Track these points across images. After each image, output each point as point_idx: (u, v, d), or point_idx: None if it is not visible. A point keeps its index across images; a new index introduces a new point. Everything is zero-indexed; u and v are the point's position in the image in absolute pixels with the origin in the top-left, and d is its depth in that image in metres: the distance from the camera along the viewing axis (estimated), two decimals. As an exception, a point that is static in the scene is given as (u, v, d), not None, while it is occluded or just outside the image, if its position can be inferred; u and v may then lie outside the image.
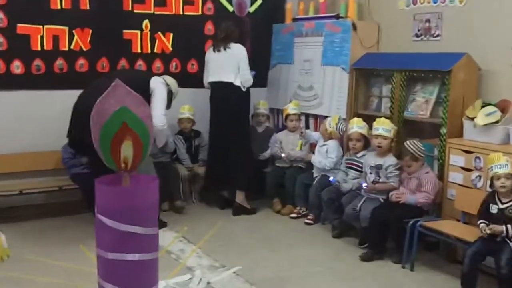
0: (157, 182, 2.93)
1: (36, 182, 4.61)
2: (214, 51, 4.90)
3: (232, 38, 4.84)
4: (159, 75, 4.75)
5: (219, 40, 4.87)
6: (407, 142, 3.93)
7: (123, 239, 2.69)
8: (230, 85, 4.80)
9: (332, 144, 4.69)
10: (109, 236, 2.71)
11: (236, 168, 4.86)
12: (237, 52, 4.80)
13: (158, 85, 4.30)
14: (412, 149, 3.88)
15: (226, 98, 4.83)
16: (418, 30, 4.60)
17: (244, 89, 4.83)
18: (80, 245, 3.30)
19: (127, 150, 2.79)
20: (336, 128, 4.71)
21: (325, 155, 4.70)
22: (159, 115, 4.16)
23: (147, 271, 2.86)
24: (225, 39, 4.83)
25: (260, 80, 5.64)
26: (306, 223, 4.72)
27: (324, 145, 4.76)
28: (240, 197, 4.92)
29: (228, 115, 4.84)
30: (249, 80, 4.85)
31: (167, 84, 4.45)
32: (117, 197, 2.72)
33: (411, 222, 3.73)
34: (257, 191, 5.36)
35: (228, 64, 4.80)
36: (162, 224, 4.40)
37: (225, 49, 4.81)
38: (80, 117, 4.10)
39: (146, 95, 4.18)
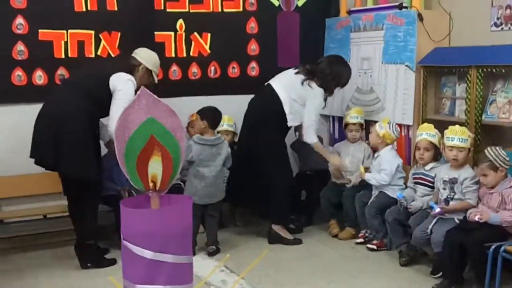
0: (191, 202, 2.93)
1: (63, 205, 4.68)
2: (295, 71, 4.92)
3: (320, 78, 4.81)
4: (197, 82, 4.81)
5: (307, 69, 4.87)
6: (488, 148, 3.79)
7: (152, 268, 2.70)
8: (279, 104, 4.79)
9: (385, 152, 4.60)
10: (137, 265, 2.74)
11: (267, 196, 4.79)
12: (313, 93, 4.79)
13: (121, 84, 4.16)
14: (491, 155, 3.73)
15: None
16: (497, 19, 4.46)
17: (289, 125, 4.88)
18: (109, 276, 3.34)
19: (155, 167, 2.82)
20: (390, 128, 4.63)
21: (379, 170, 4.61)
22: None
23: (181, 305, 2.85)
24: (311, 74, 4.82)
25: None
26: (369, 249, 4.62)
27: (377, 156, 4.67)
28: (276, 226, 4.86)
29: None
30: (309, 128, 4.84)
31: (139, 63, 4.37)
32: (145, 221, 2.74)
33: (493, 247, 3.60)
34: (310, 212, 5.33)
35: (297, 89, 4.80)
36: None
37: (303, 83, 4.80)
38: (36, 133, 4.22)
39: (105, 95, 4.14)
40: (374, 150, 4.89)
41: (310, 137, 4.84)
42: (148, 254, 2.70)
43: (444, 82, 4.80)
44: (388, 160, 4.59)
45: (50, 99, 4.29)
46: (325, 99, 4.89)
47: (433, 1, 5.02)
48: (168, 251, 2.73)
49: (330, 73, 4.78)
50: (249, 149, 4.88)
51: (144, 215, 2.79)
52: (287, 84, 4.82)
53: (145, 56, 4.44)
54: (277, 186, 4.75)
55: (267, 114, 4.79)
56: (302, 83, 4.77)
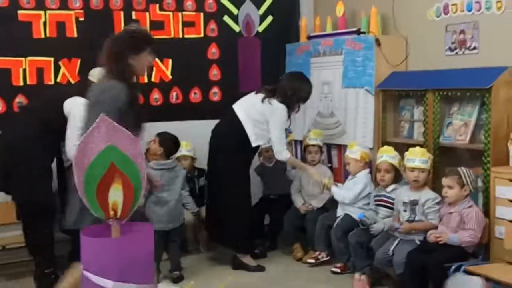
0: (151, 230, 2.91)
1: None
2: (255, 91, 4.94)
3: (280, 95, 4.77)
4: (159, 107, 4.74)
5: (266, 89, 4.86)
6: (461, 167, 3.90)
7: (113, 299, 2.66)
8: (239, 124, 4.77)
9: (361, 175, 4.65)
10: (97, 296, 2.69)
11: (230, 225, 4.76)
12: (273, 109, 4.75)
13: (74, 108, 4.01)
14: (463, 172, 3.84)
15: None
16: (452, 43, 4.58)
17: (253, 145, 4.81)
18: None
19: (116, 194, 2.80)
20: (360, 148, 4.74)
21: (351, 188, 4.66)
22: (72, 146, 3.81)
23: (143, 336, 2.81)
24: (271, 92, 4.80)
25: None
26: (333, 272, 4.63)
27: (353, 178, 4.71)
28: (240, 254, 4.84)
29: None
30: (277, 145, 4.79)
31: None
32: (106, 250, 2.71)
33: (454, 267, 3.65)
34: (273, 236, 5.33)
35: (257, 108, 4.78)
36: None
37: (263, 101, 4.77)
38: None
39: (60, 120, 4.06)
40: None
41: (281, 154, 4.79)
42: (109, 284, 2.66)
43: (403, 105, 4.89)
44: (360, 183, 4.62)
45: (6, 126, 4.32)
46: (289, 116, 4.83)
47: (390, 26, 5.13)
48: (130, 280, 2.71)
49: (290, 89, 4.74)
50: (212, 175, 4.88)
51: (105, 244, 2.76)
52: (248, 105, 4.81)
53: (99, 76, 4.41)
54: (236, 214, 4.71)
55: (228, 137, 4.76)
56: (262, 101, 4.74)
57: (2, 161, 4.16)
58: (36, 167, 4.11)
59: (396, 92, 4.81)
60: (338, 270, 4.63)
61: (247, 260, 4.81)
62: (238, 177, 4.76)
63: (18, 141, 4.10)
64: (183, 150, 5.16)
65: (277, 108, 4.72)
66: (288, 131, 5.25)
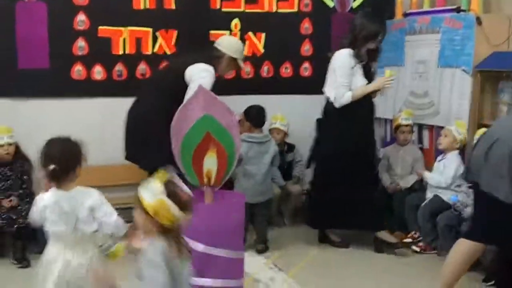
0: (243, 199, 2.99)
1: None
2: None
3: (350, 36, 4.53)
4: (250, 80, 4.74)
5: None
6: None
7: (203, 262, 2.77)
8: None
9: (452, 156, 4.54)
10: (189, 258, 2.79)
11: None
12: (333, 59, 4.58)
13: (196, 73, 4.06)
14: None
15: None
16: (560, 23, 4.35)
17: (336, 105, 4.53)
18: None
19: (211, 162, 2.89)
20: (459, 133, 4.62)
21: (442, 171, 4.56)
22: None
23: (231, 300, 2.91)
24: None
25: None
26: (415, 251, 4.59)
27: (443, 159, 4.61)
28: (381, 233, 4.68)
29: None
30: (337, 100, 4.52)
31: (223, 53, 4.37)
32: (198, 216, 2.80)
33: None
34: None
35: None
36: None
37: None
38: (129, 131, 4.29)
39: (182, 90, 3.98)
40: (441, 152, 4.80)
41: (341, 99, 4.47)
42: (199, 247, 2.76)
43: (502, 87, 4.70)
44: (453, 164, 4.54)
45: (136, 98, 4.42)
46: (362, 58, 4.51)
47: (493, 5, 4.93)
48: (220, 245, 2.80)
49: (355, 27, 4.48)
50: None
51: (198, 209, 2.86)
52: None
53: (227, 45, 4.47)
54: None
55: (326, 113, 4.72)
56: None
57: (131, 131, 4.26)
58: (166, 138, 4.07)
59: (496, 73, 4.63)
60: (418, 249, 4.59)
61: (390, 237, 4.66)
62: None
63: (148, 113, 4.17)
64: (277, 123, 5.19)
65: (337, 56, 4.54)
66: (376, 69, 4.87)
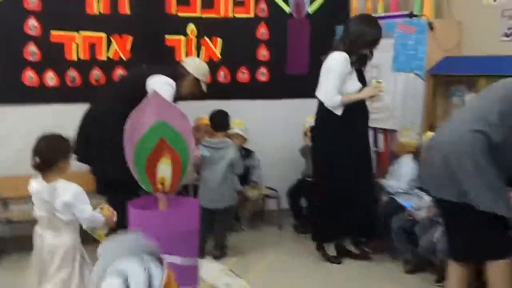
0: (197, 205, 2.97)
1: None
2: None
3: (345, 40, 4.38)
4: (206, 84, 4.69)
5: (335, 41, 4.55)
6: None
7: (158, 270, 2.74)
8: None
9: (405, 160, 4.61)
10: (143, 266, 2.76)
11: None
12: (327, 61, 4.41)
13: (158, 85, 4.00)
14: None
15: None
16: (508, 29, 4.48)
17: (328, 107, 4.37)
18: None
19: (164, 169, 2.86)
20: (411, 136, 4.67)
21: (398, 176, 4.62)
22: None
23: (186, 307, 2.88)
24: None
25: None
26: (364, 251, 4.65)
27: (397, 163, 4.68)
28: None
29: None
30: (327, 102, 4.35)
31: (188, 73, 4.37)
32: (152, 222, 2.78)
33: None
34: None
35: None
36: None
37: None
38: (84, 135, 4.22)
39: (141, 97, 3.86)
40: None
41: (330, 101, 4.31)
42: (154, 255, 2.73)
43: (453, 91, 4.81)
44: (406, 166, 4.58)
45: (92, 103, 4.37)
46: (355, 63, 4.36)
47: (444, 10, 5.04)
48: (174, 252, 2.77)
49: (354, 32, 4.30)
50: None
51: (151, 216, 2.84)
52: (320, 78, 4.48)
53: (193, 65, 4.49)
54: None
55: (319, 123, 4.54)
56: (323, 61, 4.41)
57: (86, 132, 4.21)
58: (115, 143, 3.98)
59: (448, 77, 4.73)
60: (370, 250, 4.65)
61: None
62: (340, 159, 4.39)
63: (105, 115, 4.13)
64: (236, 128, 5.19)
65: (330, 59, 4.36)
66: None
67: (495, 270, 3.11)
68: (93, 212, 2.95)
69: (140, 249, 1.39)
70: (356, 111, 4.37)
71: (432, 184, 3.22)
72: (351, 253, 4.62)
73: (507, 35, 4.50)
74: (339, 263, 4.54)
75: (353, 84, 4.37)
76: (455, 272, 3.33)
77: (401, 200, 4.52)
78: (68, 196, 2.90)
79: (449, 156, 3.04)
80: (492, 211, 2.97)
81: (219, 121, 4.77)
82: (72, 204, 2.91)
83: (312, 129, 4.75)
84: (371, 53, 4.45)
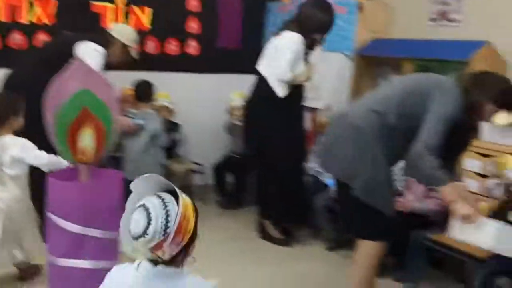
0: (121, 178, 2.89)
1: None
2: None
3: (297, 23, 4.25)
4: (136, 51, 4.53)
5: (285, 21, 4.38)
6: None
7: (77, 243, 2.65)
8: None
9: None
10: (62, 239, 2.67)
11: None
12: (283, 42, 4.25)
13: (87, 52, 3.89)
14: None
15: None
16: (435, 14, 4.58)
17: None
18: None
19: (87, 139, 2.76)
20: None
21: None
22: None
23: (105, 281, 2.81)
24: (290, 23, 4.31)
25: (251, 65, 5.58)
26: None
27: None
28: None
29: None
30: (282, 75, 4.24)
31: (115, 39, 4.23)
32: (72, 194, 2.68)
33: (416, 234, 3.69)
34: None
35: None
36: None
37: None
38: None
39: (67, 62, 3.86)
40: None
41: (286, 77, 4.22)
42: (73, 227, 2.64)
43: (380, 73, 4.89)
44: None
45: (14, 69, 4.12)
46: (309, 47, 4.29)
47: (374, -8, 5.10)
48: (95, 225, 2.69)
49: (306, 15, 4.21)
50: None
51: (72, 188, 2.73)
52: (266, 55, 4.40)
53: (120, 32, 4.33)
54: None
55: (260, 98, 4.40)
56: (275, 36, 4.30)
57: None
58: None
59: (375, 59, 4.80)
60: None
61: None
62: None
63: (28, 82, 3.85)
64: (163, 101, 5.10)
65: (287, 37, 4.23)
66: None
67: (364, 249, 3.15)
68: (50, 156, 2.98)
69: (160, 188, 1.69)
70: (294, 94, 4.32)
71: (325, 159, 3.22)
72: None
73: (433, 20, 4.60)
74: (287, 244, 4.50)
75: (300, 66, 4.29)
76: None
77: (324, 178, 4.58)
78: (16, 150, 3.03)
79: (340, 127, 3.08)
80: (366, 201, 2.99)
81: (142, 91, 4.69)
82: (21, 157, 3.03)
83: (246, 106, 4.65)
84: (322, 39, 4.37)
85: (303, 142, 4.57)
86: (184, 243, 1.66)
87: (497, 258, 3.26)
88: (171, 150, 5.21)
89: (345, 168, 3.05)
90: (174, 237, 1.61)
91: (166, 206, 1.61)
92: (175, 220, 1.60)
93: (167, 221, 1.60)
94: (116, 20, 5.12)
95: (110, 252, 2.77)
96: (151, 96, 4.72)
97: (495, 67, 3.99)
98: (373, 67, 4.91)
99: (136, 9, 5.22)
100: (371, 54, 4.78)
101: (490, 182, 3.70)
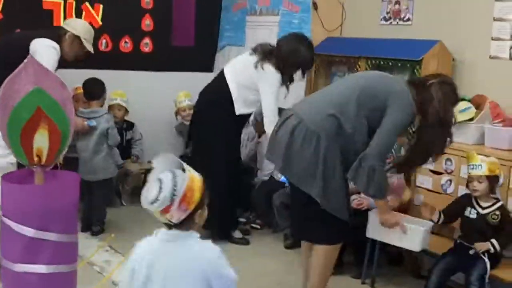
0: (77, 180, 2.82)
1: None
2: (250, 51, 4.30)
3: (276, 57, 4.15)
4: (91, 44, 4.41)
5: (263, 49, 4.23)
6: None
7: (33, 247, 2.58)
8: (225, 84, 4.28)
9: None
10: (16, 243, 2.60)
11: None
12: (264, 77, 4.15)
13: (41, 49, 3.84)
14: None
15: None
16: (387, 13, 4.65)
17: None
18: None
19: (41, 140, 2.67)
20: None
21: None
22: None
23: (63, 286, 2.75)
24: (268, 54, 4.18)
25: (206, 63, 5.56)
26: (253, 227, 4.73)
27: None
28: None
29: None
30: (265, 119, 4.17)
31: (68, 32, 4.14)
32: (28, 197, 2.60)
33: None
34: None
35: (250, 72, 4.20)
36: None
37: (256, 66, 4.17)
38: None
39: (21, 60, 3.80)
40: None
41: (273, 124, 3.83)
42: (28, 232, 2.56)
43: (335, 71, 4.94)
44: None
45: None
46: (285, 84, 4.24)
47: (329, -9, 5.14)
48: (51, 229, 2.62)
49: (287, 50, 4.10)
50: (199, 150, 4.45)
51: (27, 191, 2.65)
52: (240, 67, 4.26)
53: (73, 24, 4.25)
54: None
55: (214, 102, 4.30)
56: (256, 66, 4.14)
57: None
58: None
59: (330, 58, 4.85)
60: (258, 226, 4.76)
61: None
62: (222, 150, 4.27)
63: None
64: (118, 99, 5.03)
65: (269, 73, 4.13)
66: None
67: (322, 252, 3.21)
68: None
69: (173, 165, 2.06)
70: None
71: (277, 158, 3.19)
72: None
73: (385, 19, 4.67)
74: (247, 243, 4.49)
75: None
76: (305, 248, 3.41)
77: (279, 176, 4.60)
78: None
79: (295, 131, 3.05)
80: (323, 206, 3.03)
81: (91, 89, 4.60)
82: None
83: (197, 104, 4.57)
84: (303, 75, 4.31)
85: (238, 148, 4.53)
86: (189, 210, 2.01)
87: (453, 254, 3.36)
88: (126, 150, 5.15)
89: (301, 175, 3.07)
90: (180, 203, 1.98)
91: (175, 178, 1.98)
92: (180, 190, 1.97)
93: (174, 190, 1.96)
94: (68, 17, 4.99)
95: (67, 255, 2.71)
96: (100, 94, 4.62)
97: (446, 67, 4.11)
98: (328, 66, 4.95)
99: (88, 6, 5.11)
100: (326, 53, 4.81)
101: (443, 179, 3.79)
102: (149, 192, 2.02)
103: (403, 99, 3.01)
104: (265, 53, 4.17)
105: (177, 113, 5.32)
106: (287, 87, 4.28)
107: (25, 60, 2.67)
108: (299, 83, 4.87)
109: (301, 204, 3.19)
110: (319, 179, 3.01)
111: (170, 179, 1.98)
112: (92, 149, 4.46)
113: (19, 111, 2.62)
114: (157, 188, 1.99)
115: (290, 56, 4.10)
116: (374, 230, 3.41)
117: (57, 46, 4.00)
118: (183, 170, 2.04)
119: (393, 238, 3.36)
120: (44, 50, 3.84)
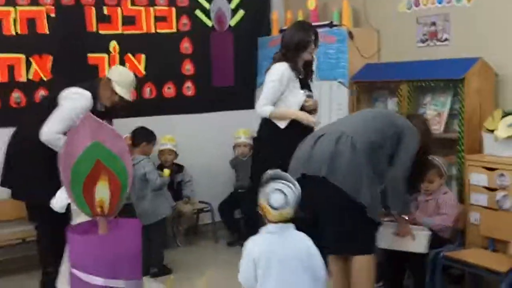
0: (139, 226, 2.90)
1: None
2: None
3: (282, 48, 4.21)
4: (132, 103, 4.50)
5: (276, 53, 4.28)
6: (433, 157, 3.91)
7: (103, 296, 2.65)
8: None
9: None
10: (87, 293, 2.67)
11: None
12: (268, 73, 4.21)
13: (68, 96, 3.94)
14: (439, 163, 3.90)
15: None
16: (423, 35, 4.67)
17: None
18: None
19: (102, 191, 2.78)
20: None
21: None
22: (46, 130, 3.79)
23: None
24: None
25: (246, 101, 5.65)
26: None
27: None
28: None
29: None
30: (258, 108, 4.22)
31: (108, 79, 4.13)
32: (93, 247, 2.69)
33: (433, 253, 3.71)
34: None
35: None
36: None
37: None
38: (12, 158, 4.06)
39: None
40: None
41: (260, 109, 4.15)
42: (99, 281, 2.64)
43: (376, 97, 4.95)
44: None
45: (17, 128, 4.16)
46: (296, 71, 4.13)
47: (361, 19, 5.20)
48: (119, 276, 2.69)
49: (287, 37, 4.17)
50: None
51: (92, 241, 2.74)
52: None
53: (112, 69, 4.36)
54: None
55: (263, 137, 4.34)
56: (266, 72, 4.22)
57: (12, 159, 4.02)
58: (50, 168, 3.49)
59: (370, 84, 4.87)
60: None
61: None
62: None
63: (31, 138, 3.86)
64: (168, 145, 5.16)
65: (273, 68, 4.15)
66: (307, 95, 4.22)
67: (364, 266, 3.25)
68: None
69: (286, 178, 2.63)
70: (301, 124, 4.12)
71: (317, 169, 3.24)
72: None
73: (422, 41, 4.69)
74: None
75: (296, 94, 4.16)
76: (337, 265, 3.44)
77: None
78: None
79: (341, 139, 3.24)
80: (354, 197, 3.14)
81: (134, 137, 4.71)
82: None
83: (255, 141, 4.74)
84: (312, 59, 4.27)
85: None
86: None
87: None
88: (178, 192, 5.24)
89: (349, 182, 3.16)
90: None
91: (292, 189, 2.58)
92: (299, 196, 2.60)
93: (294, 197, 2.58)
94: (113, 69, 5.16)
95: (135, 301, 2.77)
96: (141, 142, 4.71)
97: (489, 83, 4.09)
98: (369, 92, 4.98)
99: (130, 57, 5.29)
100: (366, 80, 4.84)
101: (499, 194, 3.74)
102: (275, 201, 2.57)
103: (414, 134, 3.36)
104: (273, 57, 4.27)
105: (234, 147, 5.46)
106: (300, 80, 4.18)
107: (82, 117, 2.78)
108: (340, 111, 4.92)
109: (335, 217, 3.22)
110: (366, 187, 3.15)
111: (292, 189, 2.58)
112: (136, 195, 4.54)
113: (80, 165, 2.74)
114: (283, 197, 2.56)
115: (289, 43, 4.13)
116: (383, 241, 3.56)
117: (85, 92, 3.99)
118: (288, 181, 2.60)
119: (402, 244, 3.65)
120: (68, 97, 3.92)
